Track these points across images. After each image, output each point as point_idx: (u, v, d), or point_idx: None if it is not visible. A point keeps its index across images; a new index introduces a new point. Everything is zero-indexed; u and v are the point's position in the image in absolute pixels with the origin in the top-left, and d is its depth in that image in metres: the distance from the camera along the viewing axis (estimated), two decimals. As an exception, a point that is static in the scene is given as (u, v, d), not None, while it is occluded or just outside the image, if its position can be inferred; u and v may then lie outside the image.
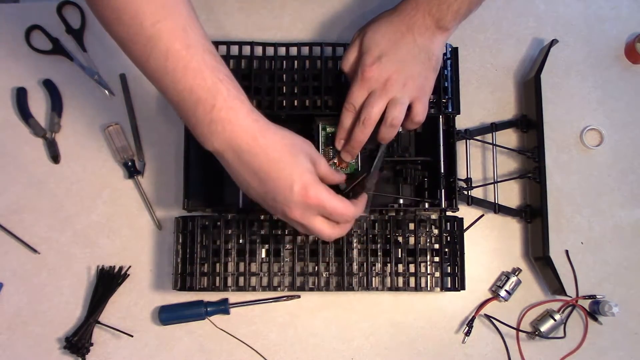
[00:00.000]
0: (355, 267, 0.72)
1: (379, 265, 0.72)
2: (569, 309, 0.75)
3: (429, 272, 0.72)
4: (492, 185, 0.77)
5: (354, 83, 0.66)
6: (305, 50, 0.75)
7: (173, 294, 0.75)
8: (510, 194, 0.78)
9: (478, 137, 0.77)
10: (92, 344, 0.74)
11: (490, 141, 0.77)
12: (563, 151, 0.79)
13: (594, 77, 0.81)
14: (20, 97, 0.79)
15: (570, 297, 0.75)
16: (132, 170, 0.77)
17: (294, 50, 0.75)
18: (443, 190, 0.72)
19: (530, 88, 0.76)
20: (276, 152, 0.55)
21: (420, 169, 0.75)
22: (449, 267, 0.72)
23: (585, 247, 0.77)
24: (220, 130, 0.53)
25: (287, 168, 0.55)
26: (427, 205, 0.74)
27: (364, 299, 0.76)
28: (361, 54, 0.66)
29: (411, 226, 0.73)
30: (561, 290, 0.72)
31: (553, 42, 0.77)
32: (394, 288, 0.72)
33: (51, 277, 0.76)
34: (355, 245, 0.72)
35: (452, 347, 0.75)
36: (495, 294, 0.75)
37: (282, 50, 0.75)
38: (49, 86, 0.79)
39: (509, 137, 0.79)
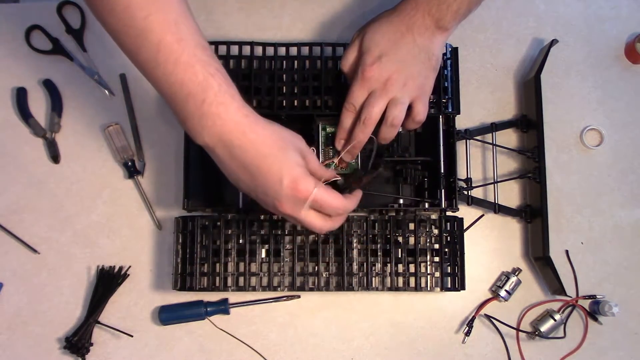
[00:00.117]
0: (355, 267, 0.72)
1: (379, 265, 0.72)
2: (569, 309, 0.75)
3: (429, 272, 0.72)
4: (492, 185, 0.77)
5: (354, 83, 0.66)
6: (305, 50, 0.75)
7: (173, 294, 0.75)
8: (510, 194, 0.78)
9: (478, 137, 0.77)
10: (92, 344, 0.74)
11: (490, 141, 0.77)
12: (563, 151, 0.79)
13: (594, 77, 0.81)
14: (20, 97, 0.79)
15: (570, 297, 0.75)
16: (132, 170, 0.77)
17: (294, 50, 0.75)
18: (443, 190, 0.72)
19: (530, 88, 0.76)
20: (266, 147, 0.55)
21: (420, 169, 0.75)
22: (449, 267, 0.72)
23: (585, 247, 0.77)
24: (211, 124, 0.53)
25: (277, 162, 0.55)
26: (427, 205, 0.74)
27: (364, 299, 0.76)
28: (361, 53, 0.66)
29: (411, 226, 0.73)
30: (561, 290, 0.72)
31: (553, 42, 0.77)
32: (394, 288, 0.72)
33: (51, 277, 0.76)
34: (355, 245, 0.72)
35: (452, 347, 0.75)
36: (495, 294, 0.75)
37: (282, 50, 0.75)
38: (49, 86, 0.80)
39: (509, 137, 0.79)
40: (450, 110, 0.73)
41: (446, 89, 0.73)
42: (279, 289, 0.72)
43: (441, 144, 0.73)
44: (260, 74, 0.74)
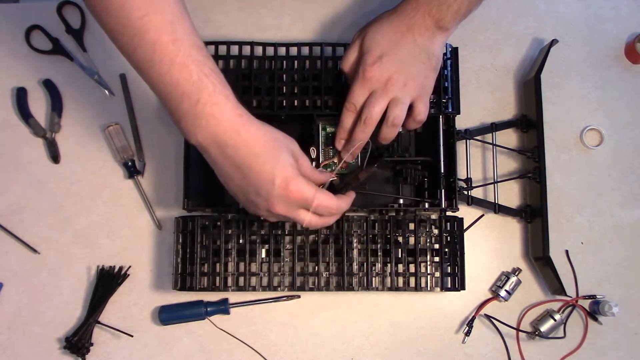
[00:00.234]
0: (355, 267, 0.72)
1: (379, 265, 0.72)
2: (569, 309, 0.75)
3: (429, 272, 0.72)
4: (492, 185, 0.77)
5: (355, 83, 0.66)
6: (305, 50, 0.75)
7: (173, 294, 0.75)
8: (510, 194, 0.78)
9: (478, 137, 0.77)
10: (92, 344, 0.74)
11: (490, 141, 0.77)
12: (563, 151, 0.79)
13: (594, 77, 0.81)
14: (20, 97, 0.79)
15: (570, 297, 0.75)
16: (132, 170, 0.77)
17: (294, 50, 0.75)
18: (443, 190, 0.72)
19: (530, 88, 0.76)
20: (259, 147, 0.55)
21: (420, 169, 0.75)
22: (449, 267, 0.72)
23: (585, 247, 0.77)
24: (205, 124, 0.54)
25: (269, 162, 0.55)
26: (427, 205, 0.74)
27: (364, 299, 0.76)
28: (362, 54, 0.66)
29: (411, 226, 0.73)
30: (561, 290, 0.72)
31: (553, 42, 0.77)
32: (394, 288, 0.72)
33: (51, 277, 0.76)
34: (355, 245, 0.72)
35: (452, 347, 0.75)
36: (495, 294, 0.75)
37: (282, 50, 0.75)
38: (49, 86, 0.79)
39: (509, 137, 0.79)
40: (450, 110, 0.73)
41: (446, 89, 0.73)
42: (279, 289, 0.72)
43: (441, 144, 0.73)
44: (260, 74, 0.74)
